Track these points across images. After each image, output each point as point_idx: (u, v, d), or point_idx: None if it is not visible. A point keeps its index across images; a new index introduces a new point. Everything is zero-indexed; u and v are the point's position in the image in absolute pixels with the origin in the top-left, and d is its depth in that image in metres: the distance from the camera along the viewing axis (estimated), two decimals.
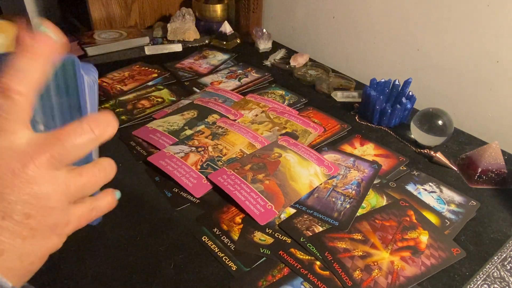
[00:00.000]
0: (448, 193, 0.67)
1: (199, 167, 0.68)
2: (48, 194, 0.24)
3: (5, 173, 0.23)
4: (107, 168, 0.29)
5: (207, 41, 1.21)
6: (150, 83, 0.96)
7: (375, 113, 0.83)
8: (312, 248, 0.55)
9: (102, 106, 0.85)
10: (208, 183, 0.65)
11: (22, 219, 0.24)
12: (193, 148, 0.72)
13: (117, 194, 0.31)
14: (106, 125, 0.26)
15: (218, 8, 1.26)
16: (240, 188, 0.63)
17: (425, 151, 0.76)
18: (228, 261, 0.53)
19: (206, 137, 0.75)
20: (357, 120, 0.86)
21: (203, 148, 0.72)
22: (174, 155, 0.70)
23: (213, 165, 0.68)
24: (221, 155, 0.71)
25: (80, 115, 0.29)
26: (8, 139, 0.24)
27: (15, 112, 0.24)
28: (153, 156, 0.70)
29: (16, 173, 0.23)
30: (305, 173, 0.67)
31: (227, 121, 0.80)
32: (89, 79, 0.30)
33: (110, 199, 0.31)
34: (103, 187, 0.30)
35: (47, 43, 0.25)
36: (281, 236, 0.57)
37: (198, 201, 0.62)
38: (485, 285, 0.53)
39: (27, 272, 0.26)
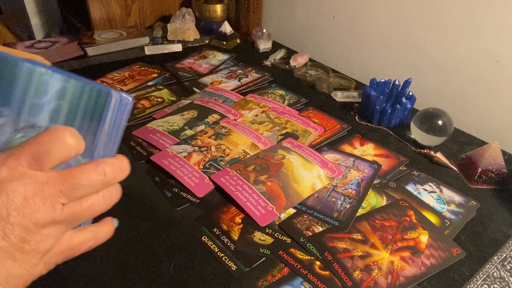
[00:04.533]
0: (448, 193, 0.67)
1: (201, 167, 0.68)
2: (46, 223, 0.26)
3: (17, 197, 0.25)
4: (113, 195, 0.29)
5: (207, 41, 1.21)
6: (150, 83, 0.96)
7: (375, 113, 0.83)
8: (312, 248, 0.55)
9: None
10: (211, 183, 0.65)
11: (18, 242, 0.25)
12: (196, 148, 0.72)
13: (115, 223, 0.32)
14: (119, 171, 0.28)
15: (218, 8, 1.26)
16: (242, 189, 0.63)
17: (425, 151, 0.76)
18: (228, 261, 0.53)
19: (209, 137, 0.75)
20: (357, 120, 0.86)
21: (206, 148, 0.72)
22: (177, 154, 0.70)
23: (215, 165, 0.68)
24: (223, 155, 0.71)
25: (93, 140, 0.29)
26: (37, 170, 0.26)
27: (57, 156, 0.26)
28: (156, 156, 0.70)
29: (26, 199, 0.25)
30: (308, 176, 0.67)
31: (230, 121, 0.80)
32: (122, 115, 0.30)
33: (110, 228, 0.31)
34: None
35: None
36: (281, 236, 0.57)
37: (198, 201, 0.62)
38: (485, 285, 0.53)
39: None
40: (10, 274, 0.25)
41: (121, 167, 0.28)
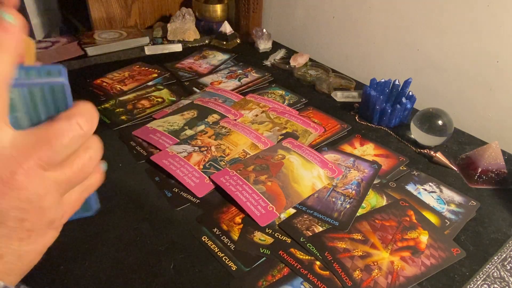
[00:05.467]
0: (448, 193, 0.67)
1: (201, 167, 0.68)
2: (39, 196, 0.24)
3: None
4: (97, 151, 0.27)
5: (207, 41, 1.21)
6: (150, 83, 0.96)
7: (375, 113, 0.83)
8: (312, 248, 0.55)
9: (102, 106, 0.85)
10: (211, 183, 0.65)
11: (16, 224, 0.23)
12: (196, 148, 0.72)
13: (103, 166, 0.30)
14: (92, 118, 0.26)
15: (218, 8, 1.26)
16: (242, 189, 0.63)
17: (425, 151, 0.76)
18: (228, 261, 0.53)
19: (209, 137, 0.75)
20: (357, 120, 0.86)
21: (206, 148, 0.72)
22: (177, 154, 0.70)
23: (215, 165, 0.68)
24: (223, 155, 0.71)
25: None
26: None
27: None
28: (156, 156, 0.70)
29: (5, 180, 0.22)
30: (308, 176, 0.67)
31: (230, 121, 0.80)
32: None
33: (98, 176, 0.29)
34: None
35: (13, 32, 0.23)
36: (281, 236, 0.57)
37: (198, 201, 0.62)
38: (485, 285, 0.53)
39: (27, 268, 0.26)
40: (21, 253, 0.24)
41: (90, 112, 0.26)
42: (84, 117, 0.25)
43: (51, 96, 0.25)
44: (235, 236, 0.57)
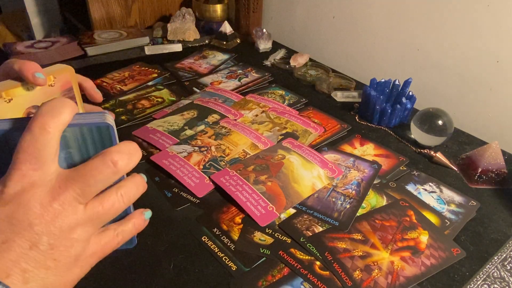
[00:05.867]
0: (448, 193, 0.67)
1: (201, 167, 0.68)
2: (71, 226, 0.26)
3: (34, 205, 0.25)
4: (132, 190, 0.29)
5: (207, 41, 1.21)
6: (150, 83, 0.96)
7: (375, 113, 0.83)
8: (312, 248, 0.55)
9: (102, 106, 0.85)
10: (211, 183, 0.65)
11: (47, 249, 0.25)
12: (196, 148, 0.72)
13: (146, 214, 0.32)
14: (128, 157, 0.28)
15: (218, 8, 1.26)
16: (242, 189, 0.63)
17: (425, 151, 0.76)
18: (228, 261, 0.53)
19: (209, 137, 0.75)
20: (357, 120, 0.86)
21: (206, 148, 0.72)
22: (177, 154, 0.70)
23: (215, 165, 0.68)
24: (224, 155, 0.71)
25: None
26: (42, 171, 0.26)
27: (48, 146, 0.26)
28: (156, 156, 0.70)
29: (44, 205, 0.25)
30: (308, 176, 0.67)
31: (230, 121, 0.80)
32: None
33: (136, 222, 0.31)
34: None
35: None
36: (281, 236, 0.57)
37: (198, 201, 0.62)
38: (485, 285, 0.53)
39: None
40: (46, 283, 0.25)
41: (129, 151, 0.28)
42: (119, 154, 0.27)
43: (98, 135, 0.29)
44: (235, 236, 0.57)
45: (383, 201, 0.64)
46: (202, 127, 0.79)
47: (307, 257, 0.54)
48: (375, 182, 0.68)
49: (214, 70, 1.05)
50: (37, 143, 0.25)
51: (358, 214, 0.61)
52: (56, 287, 0.26)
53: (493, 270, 0.55)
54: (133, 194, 0.30)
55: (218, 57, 1.12)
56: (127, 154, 0.27)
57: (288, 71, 1.06)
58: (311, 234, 0.57)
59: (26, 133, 0.26)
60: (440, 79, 0.92)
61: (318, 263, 0.53)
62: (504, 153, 0.75)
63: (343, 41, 1.11)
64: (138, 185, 0.30)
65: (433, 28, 0.89)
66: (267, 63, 1.10)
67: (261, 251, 0.55)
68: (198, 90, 0.94)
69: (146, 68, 1.02)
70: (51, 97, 0.30)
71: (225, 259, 0.53)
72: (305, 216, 0.60)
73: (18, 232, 0.25)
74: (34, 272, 0.25)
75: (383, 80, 0.87)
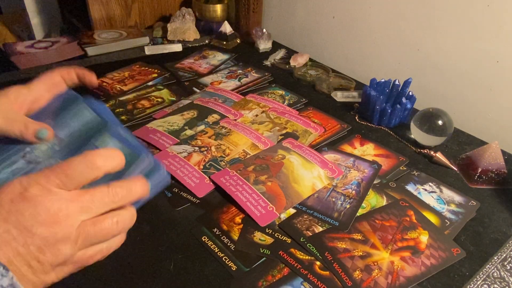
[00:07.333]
0: (448, 193, 0.67)
1: (201, 167, 0.68)
2: (64, 238, 0.28)
3: (43, 211, 0.27)
4: (126, 220, 0.31)
5: (207, 41, 1.21)
6: (150, 83, 0.96)
7: (375, 113, 0.83)
8: (312, 248, 0.55)
9: None
10: (211, 183, 0.65)
11: (35, 251, 0.27)
12: (196, 148, 0.72)
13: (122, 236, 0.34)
14: (127, 194, 0.31)
15: (218, 8, 1.26)
16: (242, 189, 0.63)
17: (425, 151, 0.76)
18: (228, 261, 0.53)
19: (209, 137, 0.75)
20: (357, 120, 0.86)
21: (206, 148, 0.72)
22: (177, 154, 0.70)
23: (216, 165, 0.68)
24: (224, 155, 0.71)
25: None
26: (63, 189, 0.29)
27: (81, 178, 0.30)
28: (156, 156, 0.69)
29: (51, 214, 0.28)
30: (308, 176, 0.67)
31: (230, 121, 0.80)
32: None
33: (120, 238, 0.33)
34: None
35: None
36: (281, 236, 0.57)
37: (198, 201, 0.62)
38: (485, 285, 0.53)
39: None
40: (24, 278, 0.27)
41: (131, 190, 0.31)
42: (121, 189, 0.31)
43: (149, 169, 0.35)
44: (235, 236, 0.57)
45: (383, 201, 0.64)
46: (202, 127, 0.79)
47: (307, 257, 0.54)
48: (375, 182, 0.68)
49: (214, 70, 1.05)
50: (77, 172, 0.29)
51: (358, 214, 0.61)
52: (30, 285, 0.28)
53: (493, 270, 0.55)
54: (127, 224, 0.32)
55: (218, 57, 1.12)
56: (127, 190, 0.31)
57: (288, 71, 1.06)
58: (311, 234, 0.57)
59: (77, 157, 0.29)
60: (440, 79, 0.92)
61: (318, 263, 0.53)
62: (504, 153, 0.75)
63: (343, 41, 1.11)
64: (133, 217, 0.32)
65: (433, 28, 0.89)
66: (267, 63, 1.10)
67: (261, 251, 0.55)
68: (198, 90, 0.94)
69: (146, 68, 1.02)
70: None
71: (225, 259, 0.53)
72: (305, 216, 0.60)
73: (20, 229, 0.27)
74: (17, 266, 0.27)
75: (383, 80, 0.87)
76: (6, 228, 0.27)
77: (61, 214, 0.28)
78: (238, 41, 1.22)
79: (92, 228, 0.29)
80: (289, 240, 0.56)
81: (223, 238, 0.56)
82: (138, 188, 0.32)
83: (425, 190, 0.67)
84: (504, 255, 0.57)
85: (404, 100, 0.83)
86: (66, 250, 0.28)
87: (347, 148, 0.77)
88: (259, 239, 0.56)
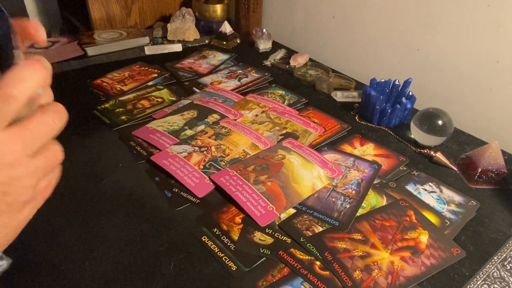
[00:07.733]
0: (448, 193, 0.67)
1: (201, 167, 0.68)
2: (23, 175, 0.27)
3: None
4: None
5: (207, 41, 1.21)
6: (150, 83, 0.96)
7: (375, 113, 0.83)
8: (312, 248, 0.55)
9: (102, 106, 0.85)
10: (211, 183, 0.65)
11: (1, 196, 0.26)
12: (196, 148, 0.72)
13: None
14: (62, 116, 0.29)
15: (218, 8, 1.26)
16: (242, 189, 0.63)
17: (425, 151, 0.76)
18: (228, 261, 0.53)
19: (209, 137, 0.75)
20: (357, 120, 0.86)
21: (206, 148, 0.72)
22: (177, 154, 0.70)
23: (216, 165, 0.68)
24: (224, 155, 0.71)
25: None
26: None
27: (5, 115, 0.26)
28: (156, 156, 0.70)
29: None
30: (308, 176, 0.67)
31: (230, 121, 0.80)
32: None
33: (59, 168, 0.31)
34: None
35: (47, 66, 0.28)
36: (281, 236, 0.57)
37: (198, 201, 0.62)
38: (485, 285, 0.53)
39: (3, 242, 0.29)
40: (0, 224, 0.27)
41: (61, 112, 0.29)
42: (55, 113, 0.28)
43: None
44: (235, 236, 0.57)
45: (383, 201, 0.64)
46: (202, 127, 0.79)
47: (307, 257, 0.54)
48: (375, 182, 0.68)
49: (214, 70, 1.05)
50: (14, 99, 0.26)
51: (358, 214, 0.61)
52: (9, 228, 0.28)
53: (493, 270, 0.55)
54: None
55: (218, 57, 1.12)
56: (61, 113, 0.29)
57: (288, 71, 1.06)
58: (311, 234, 0.57)
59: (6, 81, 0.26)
60: (440, 79, 0.92)
61: (318, 263, 0.53)
62: (504, 153, 0.75)
63: (343, 41, 1.11)
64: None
65: (433, 28, 0.89)
66: (267, 63, 1.10)
67: (261, 251, 0.55)
68: (198, 90, 0.94)
69: (146, 68, 1.02)
70: None
71: (225, 259, 0.53)
72: (305, 216, 0.60)
73: None
74: None
75: (383, 80, 0.87)
76: None
77: (6, 156, 0.26)
78: (238, 41, 1.22)
79: (45, 159, 0.28)
80: (289, 240, 0.56)
81: (223, 238, 0.56)
82: (63, 108, 0.29)
83: (425, 190, 0.67)
84: (504, 255, 0.57)
85: (404, 100, 0.83)
86: (29, 183, 0.28)
87: (347, 148, 0.77)
88: (259, 239, 0.56)
